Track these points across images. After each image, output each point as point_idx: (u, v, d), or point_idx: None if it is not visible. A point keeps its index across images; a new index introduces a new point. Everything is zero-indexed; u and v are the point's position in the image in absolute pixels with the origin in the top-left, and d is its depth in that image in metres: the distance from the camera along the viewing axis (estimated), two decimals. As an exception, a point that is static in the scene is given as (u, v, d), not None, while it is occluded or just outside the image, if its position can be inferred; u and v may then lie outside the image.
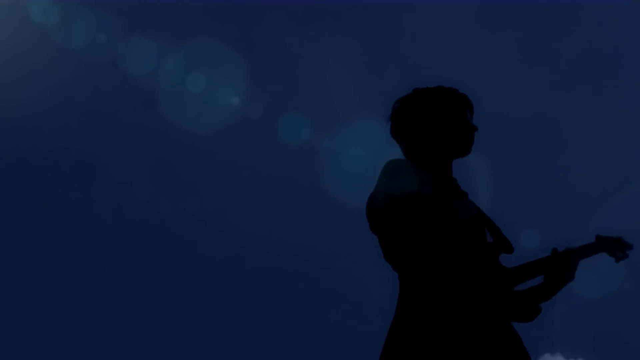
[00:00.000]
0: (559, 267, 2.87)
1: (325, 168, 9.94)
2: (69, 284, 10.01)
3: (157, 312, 10.29)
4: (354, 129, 9.77)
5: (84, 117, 10.15)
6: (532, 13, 10.34)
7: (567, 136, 10.48)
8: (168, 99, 9.99)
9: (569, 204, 10.08)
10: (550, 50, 10.38)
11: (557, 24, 10.38)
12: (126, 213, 10.31)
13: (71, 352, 10.03)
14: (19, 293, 10.12)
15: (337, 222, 9.82)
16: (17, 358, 9.93)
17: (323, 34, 10.62)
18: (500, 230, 3.02)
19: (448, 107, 3.06)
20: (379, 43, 10.50)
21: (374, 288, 7.84)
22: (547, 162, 10.37)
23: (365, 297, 9.39)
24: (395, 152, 3.14)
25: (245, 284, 10.36)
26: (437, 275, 2.71)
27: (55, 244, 10.17)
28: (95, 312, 9.98)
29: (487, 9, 10.29)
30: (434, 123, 3.04)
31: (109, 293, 10.09)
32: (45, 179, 10.36)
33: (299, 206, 10.35)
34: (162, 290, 10.34)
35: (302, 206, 10.34)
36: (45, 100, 10.36)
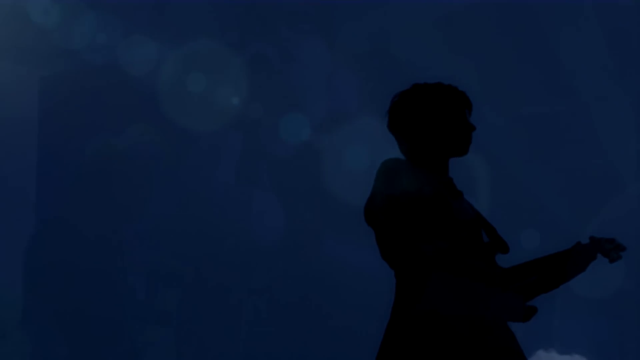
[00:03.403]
0: (559, 263, 2.90)
1: (325, 168, 9.95)
2: (69, 286, 10.01)
3: (156, 313, 10.30)
4: (354, 129, 9.79)
5: (83, 117, 10.15)
6: (532, 12, 10.35)
7: (567, 137, 10.49)
8: (168, 99, 10.00)
9: (568, 205, 10.08)
10: (550, 51, 10.39)
11: (556, 24, 10.39)
12: (126, 213, 10.32)
13: (70, 353, 10.04)
14: (17, 293, 10.12)
15: (337, 222, 9.83)
16: (14, 358, 9.94)
17: (324, 34, 10.63)
18: (495, 230, 3.03)
19: (447, 105, 3.04)
20: (380, 43, 10.51)
21: (372, 287, 7.85)
22: (546, 163, 10.38)
23: (364, 297, 9.40)
24: (395, 151, 3.13)
25: (244, 285, 10.37)
26: (438, 275, 2.72)
27: (55, 246, 10.17)
28: (95, 314, 9.99)
29: (487, 9, 10.30)
30: (432, 121, 3.03)
31: (110, 296, 10.09)
32: (44, 180, 10.37)
33: (298, 206, 10.36)
34: (162, 292, 10.34)
35: (302, 206, 10.36)
36: (45, 101, 10.37)
